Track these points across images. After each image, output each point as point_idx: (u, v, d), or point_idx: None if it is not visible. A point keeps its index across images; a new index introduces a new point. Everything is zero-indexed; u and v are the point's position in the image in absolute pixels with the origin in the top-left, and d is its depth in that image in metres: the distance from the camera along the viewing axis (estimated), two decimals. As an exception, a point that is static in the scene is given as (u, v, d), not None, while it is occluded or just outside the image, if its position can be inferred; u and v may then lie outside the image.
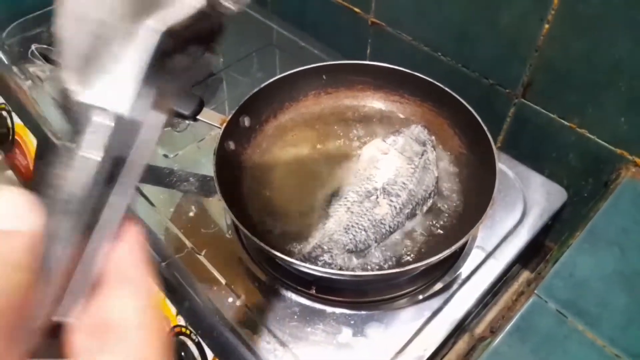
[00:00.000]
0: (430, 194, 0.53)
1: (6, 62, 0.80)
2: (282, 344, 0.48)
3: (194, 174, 0.64)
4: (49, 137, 0.70)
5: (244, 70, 0.81)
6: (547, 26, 0.54)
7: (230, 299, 0.51)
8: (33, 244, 0.19)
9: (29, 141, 0.73)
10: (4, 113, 0.78)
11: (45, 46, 0.56)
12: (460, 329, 0.52)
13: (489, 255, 0.55)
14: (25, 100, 0.75)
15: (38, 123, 0.72)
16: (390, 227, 0.50)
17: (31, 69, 0.78)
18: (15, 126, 0.76)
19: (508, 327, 0.45)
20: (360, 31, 0.75)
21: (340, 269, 0.48)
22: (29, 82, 0.77)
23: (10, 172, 0.82)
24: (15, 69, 0.78)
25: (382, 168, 0.53)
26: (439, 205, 0.54)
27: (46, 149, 0.71)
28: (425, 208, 0.52)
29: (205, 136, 0.68)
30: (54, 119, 0.71)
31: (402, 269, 0.47)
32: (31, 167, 0.74)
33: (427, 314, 0.50)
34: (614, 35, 0.50)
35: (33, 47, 0.56)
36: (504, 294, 0.59)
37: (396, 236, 0.51)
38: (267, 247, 0.45)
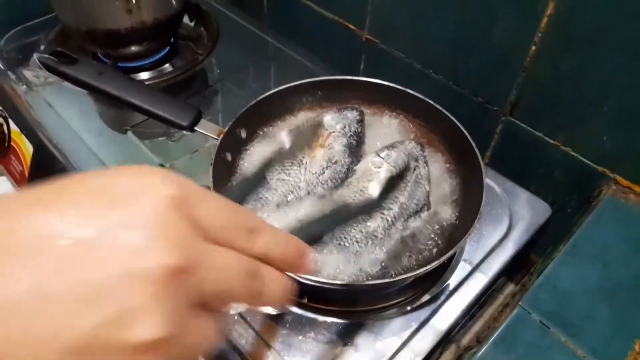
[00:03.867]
0: (421, 207, 0.54)
1: (2, 67, 0.80)
2: (273, 352, 0.49)
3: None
4: (45, 143, 0.71)
5: (239, 82, 0.82)
6: (533, 48, 0.56)
7: (223, 307, 0.52)
8: None
9: (25, 148, 0.74)
10: (0, 119, 0.78)
11: (47, 55, 0.56)
12: (446, 339, 0.53)
13: (475, 268, 0.56)
14: (20, 106, 0.76)
15: (34, 129, 0.73)
16: (381, 239, 0.52)
17: (27, 74, 0.78)
18: (11, 132, 0.77)
19: (493, 337, 0.46)
20: (355, 47, 0.77)
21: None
22: (24, 87, 0.77)
23: (4, 178, 0.82)
24: (11, 74, 0.79)
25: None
26: (428, 218, 0.56)
27: (42, 155, 0.71)
28: (416, 221, 0.54)
29: (199, 148, 0.69)
30: (50, 125, 0.72)
31: (390, 280, 0.48)
32: (27, 174, 0.75)
33: (415, 324, 0.52)
34: (600, 57, 0.52)
35: (35, 56, 0.56)
36: (489, 306, 0.60)
37: (387, 248, 0.52)
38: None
